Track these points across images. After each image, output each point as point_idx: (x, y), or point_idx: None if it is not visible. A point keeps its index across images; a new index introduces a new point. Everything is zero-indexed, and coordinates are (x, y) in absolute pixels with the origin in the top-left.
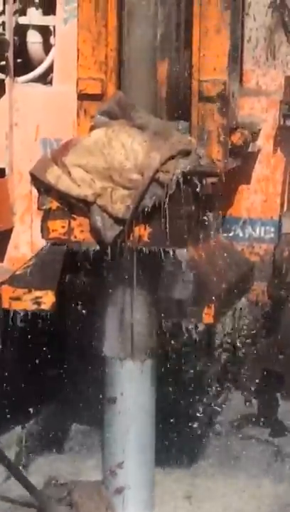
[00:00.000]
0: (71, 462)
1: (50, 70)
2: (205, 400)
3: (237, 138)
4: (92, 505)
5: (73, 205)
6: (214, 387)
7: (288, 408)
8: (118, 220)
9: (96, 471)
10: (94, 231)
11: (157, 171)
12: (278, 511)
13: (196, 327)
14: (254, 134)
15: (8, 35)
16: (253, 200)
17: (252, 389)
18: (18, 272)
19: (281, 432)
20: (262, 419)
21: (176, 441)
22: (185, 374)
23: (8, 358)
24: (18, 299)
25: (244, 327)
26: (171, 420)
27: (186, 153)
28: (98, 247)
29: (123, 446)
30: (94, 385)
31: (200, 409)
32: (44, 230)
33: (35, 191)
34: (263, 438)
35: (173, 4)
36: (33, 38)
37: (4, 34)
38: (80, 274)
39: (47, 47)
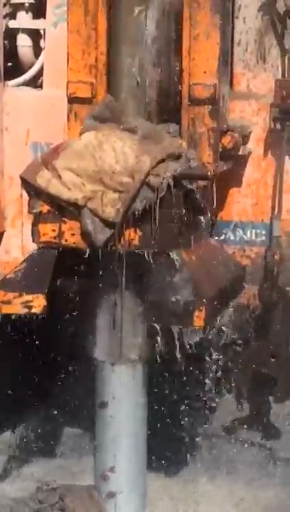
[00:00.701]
0: (62, 467)
1: (40, 73)
2: (197, 403)
3: (227, 141)
4: (84, 509)
5: (64, 209)
6: (206, 391)
7: (281, 411)
8: (109, 224)
9: (88, 475)
10: (85, 234)
11: (148, 174)
12: None
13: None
14: (245, 137)
15: None
16: (244, 203)
17: (244, 392)
18: (8, 276)
19: (274, 435)
20: (255, 423)
21: (168, 444)
22: (177, 378)
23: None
24: (8, 302)
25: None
26: (163, 424)
27: (177, 157)
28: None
29: (115, 450)
30: (86, 389)
31: (193, 412)
32: (34, 234)
33: (25, 195)
34: (256, 441)
35: (164, 8)
36: (23, 42)
37: None
38: (71, 278)
39: (37, 50)
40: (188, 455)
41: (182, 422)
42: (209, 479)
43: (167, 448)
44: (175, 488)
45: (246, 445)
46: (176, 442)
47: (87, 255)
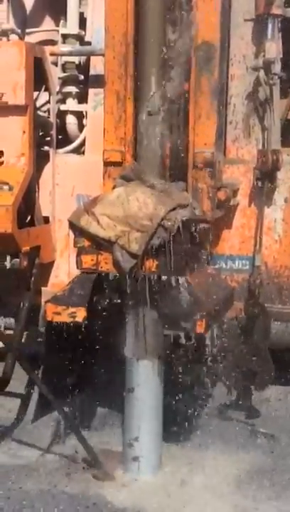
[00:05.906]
0: (99, 435)
1: (83, 143)
2: (198, 390)
3: (221, 195)
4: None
5: (100, 244)
6: (204, 381)
7: (260, 397)
8: (133, 255)
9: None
10: (116, 263)
11: (162, 219)
12: (248, 473)
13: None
14: (234, 192)
15: (52, 119)
16: (233, 241)
17: (233, 382)
18: (58, 294)
19: (255, 415)
20: (240, 405)
21: (178, 421)
22: (184, 371)
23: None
24: (58, 313)
25: (227, 336)
26: (174, 405)
27: (184, 206)
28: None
29: (138, 424)
30: (118, 378)
31: (195, 397)
32: (78, 262)
33: (71, 234)
34: (241, 419)
35: (175, 96)
36: (71, 120)
37: (49, 117)
38: (106, 296)
39: (80, 127)
40: (192, 429)
41: (188, 404)
42: (208, 446)
43: (177, 423)
44: (183, 453)
45: (234, 422)
46: (184, 419)
47: (117, 279)
